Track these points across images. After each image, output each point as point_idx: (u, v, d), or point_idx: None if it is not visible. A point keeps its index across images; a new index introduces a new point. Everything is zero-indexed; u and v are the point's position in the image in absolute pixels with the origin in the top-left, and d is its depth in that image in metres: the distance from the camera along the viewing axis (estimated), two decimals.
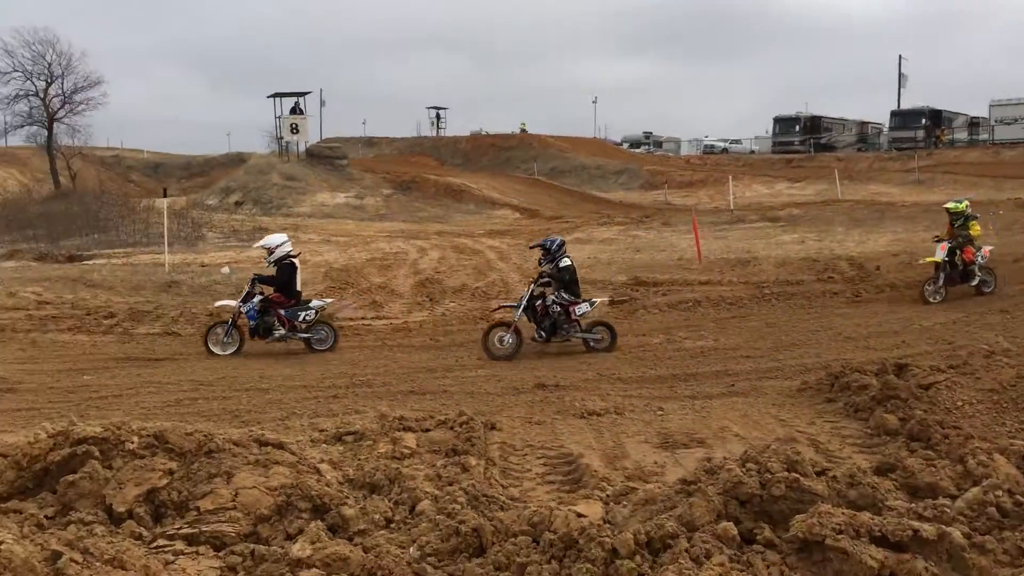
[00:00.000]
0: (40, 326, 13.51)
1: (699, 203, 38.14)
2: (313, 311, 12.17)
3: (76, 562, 3.18)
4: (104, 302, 15.39)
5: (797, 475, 3.57)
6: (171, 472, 4.41)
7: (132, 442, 4.51)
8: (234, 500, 4.25)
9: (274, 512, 4.02)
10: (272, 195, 39.10)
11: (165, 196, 21.00)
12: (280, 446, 4.98)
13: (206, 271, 19.21)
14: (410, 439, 6.87)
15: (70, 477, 4.15)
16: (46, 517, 3.97)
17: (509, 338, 11.20)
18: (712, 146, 68.61)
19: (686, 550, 3.20)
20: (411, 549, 3.61)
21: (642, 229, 27.68)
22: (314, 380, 10.00)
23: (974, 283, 13.74)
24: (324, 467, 4.97)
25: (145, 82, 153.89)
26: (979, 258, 13.74)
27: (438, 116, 67.39)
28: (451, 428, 7.14)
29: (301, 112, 42.41)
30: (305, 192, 39.32)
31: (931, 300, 13.44)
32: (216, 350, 11.93)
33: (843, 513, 3.33)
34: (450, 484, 5.25)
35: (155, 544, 3.75)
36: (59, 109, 42.91)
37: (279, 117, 42.64)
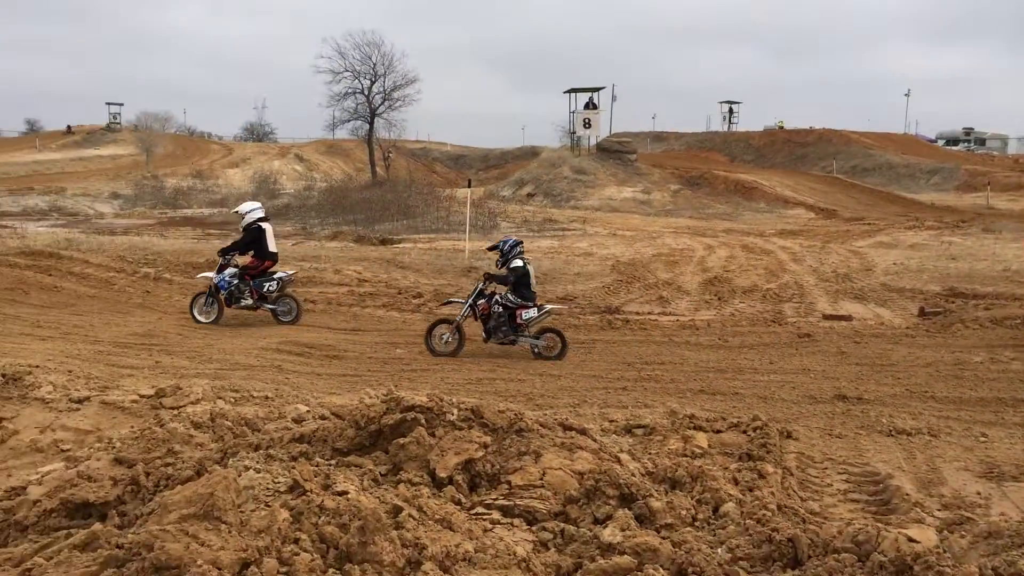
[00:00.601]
0: (360, 301, 14.99)
1: None
2: (275, 282, 12.96)
3: (413, 518, 3.48)
4: (413, 283, 16.78)
5: None
6: (485, 445, 4.68)
7: (452, 414, 4.84)
8: (542, 479, 4.43)
9: (582, 495, 4.13)
10: (562, 188, 40.35)
11: (470, 187, 22.37)
12: (583, 432, 5.11)
13: None
14: (701, 439, 6.75)
15: (401, 440, 4.54)
16: (380, 474, 4.38)
17: (449, 336, 11.12)
18: None
19: None
20: (720, 550, 3.55)
21: (958, 235, 25.09)
22: (602, 370, 10.18)
23: None
24: (624, 457, 5.03)
25: (451, 79, 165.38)
26: None
27: (731, 110, 65.77)
28: (744, 432, 6.93)
29: (595, 107, 43.35)
30: (594, 186, 40.14)
31: None
32: (200, 317, 12.86)
33: None
34: (750, 490, 5.11)
35: (474, 511, 4.01)
36: (380, 105, 47.34)
37: (573, 112, 43.91)
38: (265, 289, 12.96)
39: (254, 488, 3.96)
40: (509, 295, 11.29)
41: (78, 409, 7.24)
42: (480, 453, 4.62)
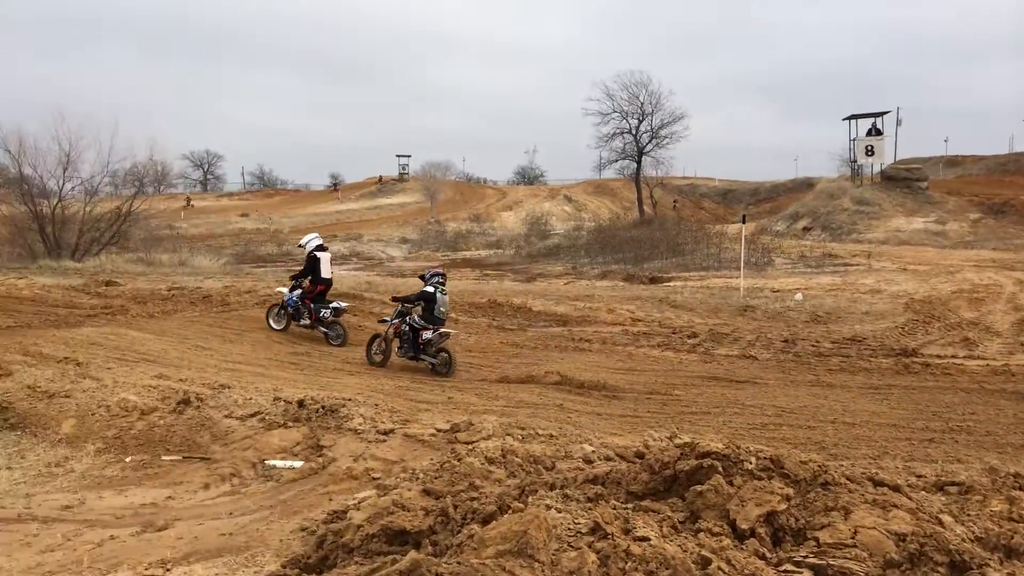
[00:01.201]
0: (634, 341, 15.02)
1: None
2: (330, 310, 14.76)
3: (722, 571, 3.37)
4: (687, 322, 16.54)
5: None
6: (788, 498, 4.44)
7: (750, 463, 4.66)
8: (853, 537, 4.11)
9: (905, 559, 3.78)
10: (842, 220, 38.09)
11: (743, 222, 21.76)
12: (896, 488, 4.71)
13: (778, 296, 19.43)
14: None
15: (698, 487, 4.43)
16: (679, 521, 4.30)
17: (376, 349, 12.89)
18: None
19: None
20: None
21: None
22: (903, 419, 9.36)
23: None
24: (946, 518, 4.55)
25: (719, 112, 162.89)
26: None
27: None
28: None
29: (879, 133, 40.57)
30: (878, 217, 37.47)
31: None
32: (273, 325, 15.30)
33: None
34: None
35: (782, 567, 3.80)
36: (647, 143, 47.73)
37: (853, 140, 41.41)
38: (321, 314, 14.80)
39: (556, 528, 4.04)
40: (417, 317, 12.72)
41: (384, 440, 7.88)
42: (783, 505, 4.39)
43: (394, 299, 13.49)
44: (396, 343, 12.88)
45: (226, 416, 8.63)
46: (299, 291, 15.26)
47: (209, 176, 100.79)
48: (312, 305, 14.99)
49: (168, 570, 4.90)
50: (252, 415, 8.63)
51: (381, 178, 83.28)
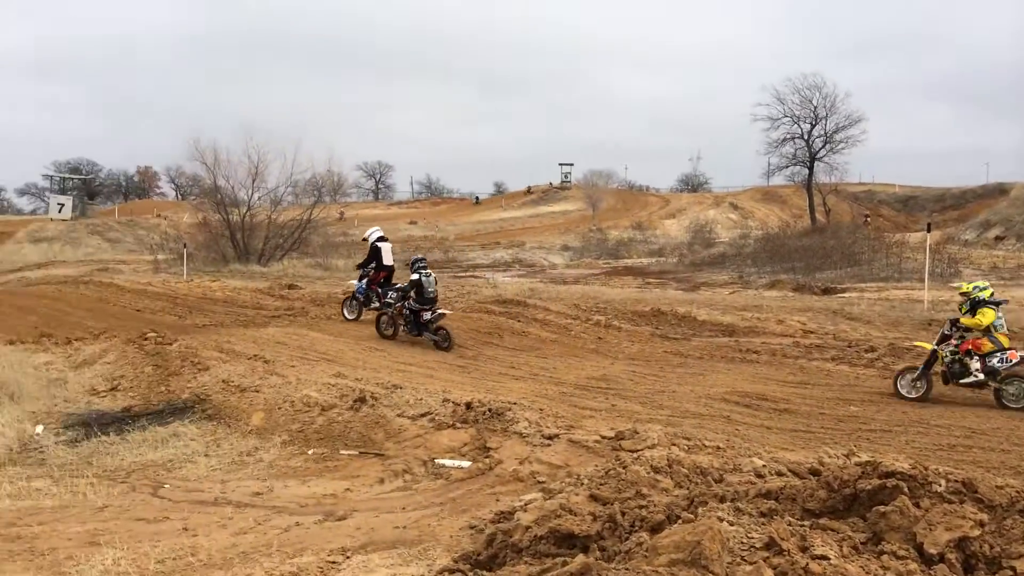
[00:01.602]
0: (806, 354, 14.41)
1: None
2: (395, 292, 15.78)
3: None
4: (863, 335, 15.72)
5: None
6: (982, 524, 4.15)
7: (940, 485, 4.40)
8: None
9: None
10: None
11: (928, 231, 20.46)
12: None
13: None
14: None
15: (881, 508, 4.22)
16: (860, 542, 4.11)
17: (385, 324, 15.29)
18: None
19: None
20: None
21: None
22: None
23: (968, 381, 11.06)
24: None
25: (898, 114, 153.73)
26: (998, 360, 10.86)
27: None
28: None
29: None
30: None
31: (906, 394, 11.21)
32: (347, 314, 17.18)
33: None
34: None
35: None
36: (820, 149, 45.78)
37: None
38: (388, 296, 16.04)
39: (729, 541, 3.96)
40: (412, 302, 14.81)
41: (549, 445, 7.97)
42: (976, 531, 4.11)
43: (395, 289, 15.90)
44: (401, 321, 15.10)
45: (398, 415, 9.00)
46: (366, 279, 16.95)
47: (380, 185, 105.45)
48: (380, 289, 16.63)
49: (348, 558, 5.17)
50: (422, 415, 8.96)
51: (529, 188, 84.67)
